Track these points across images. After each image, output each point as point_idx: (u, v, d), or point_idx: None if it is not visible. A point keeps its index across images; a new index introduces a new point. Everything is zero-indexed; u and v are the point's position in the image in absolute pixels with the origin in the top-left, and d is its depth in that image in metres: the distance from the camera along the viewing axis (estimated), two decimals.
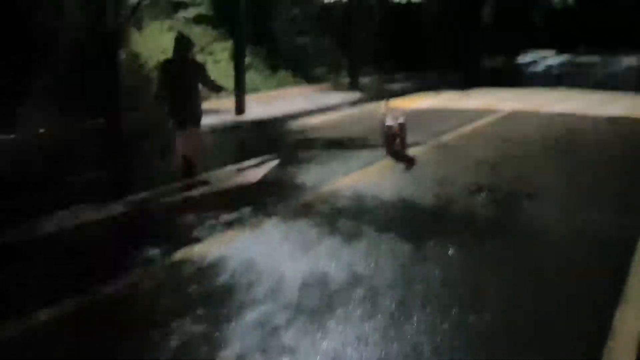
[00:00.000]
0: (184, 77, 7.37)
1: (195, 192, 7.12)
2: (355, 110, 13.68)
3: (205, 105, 13.04)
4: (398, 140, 8.76)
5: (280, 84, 18.04)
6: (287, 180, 7.65)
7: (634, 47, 36.53)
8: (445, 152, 9.31)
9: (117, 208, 6.45)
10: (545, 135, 10.44)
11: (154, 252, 5.19)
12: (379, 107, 9.69)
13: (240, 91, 12.69)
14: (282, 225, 5.85)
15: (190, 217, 6.14)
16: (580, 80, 21.06)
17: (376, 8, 18.01)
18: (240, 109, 12.64)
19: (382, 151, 9.08)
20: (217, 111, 12.92)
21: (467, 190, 7.04)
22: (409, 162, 8.48)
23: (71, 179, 7.62)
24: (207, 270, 4.83)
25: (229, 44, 16.07)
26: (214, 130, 11.01)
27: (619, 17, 38.44)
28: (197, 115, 7.59)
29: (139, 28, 15.43)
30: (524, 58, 32.93)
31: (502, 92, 16.69)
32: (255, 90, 16.19)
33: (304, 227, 5.77)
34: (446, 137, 10.24)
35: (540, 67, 29.92)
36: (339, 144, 9.92)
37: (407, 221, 6.08)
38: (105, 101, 10.74)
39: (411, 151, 9.18)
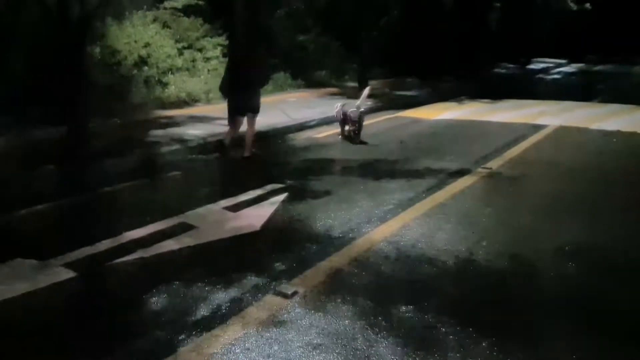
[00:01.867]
0: (249, 68, 7.96)
1: (171, 245, 4.98)
2: (370, 122, 11.32)
3: (189, 111, 10.87)
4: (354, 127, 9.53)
5: (278, 88, 15.87)
6: (301, 229, 5.49)
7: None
8: (502, 185, 7.17)
9: (53, 273, 4.31)
10: (616, 162, 8.39)
11: None
12: (361, 96, 9.97)
13: None
14: (305, 321, 3.68)
15: (160, 300, 4.01)
16: (612, 91, 18.87)
17: (392, 3, 15.82)
18: None
19: (421, 181, 7.04)
20: (204, 119, 10.77)
21: (560, 255, 4.89)
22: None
23: None
24: None
25: (221, 40, 14.02)
26: (202, 146, 8.86)
27: (631, 24, 36.76)
28: (257, 104, 8.27)
29: (119, 20, 13.30)
30: (535, 66, 30.98)
31: (535, 104, 14.55)
32: None
33: (339, 327, 3.61)
34: (495, 164, 8.09)
35: (556, 76, 27.88)
36: (361, 169, 7.82)
37: (496, 318, 3.81)
38: (67, 106, 8.60)
39: (458, 182, 7.11)
